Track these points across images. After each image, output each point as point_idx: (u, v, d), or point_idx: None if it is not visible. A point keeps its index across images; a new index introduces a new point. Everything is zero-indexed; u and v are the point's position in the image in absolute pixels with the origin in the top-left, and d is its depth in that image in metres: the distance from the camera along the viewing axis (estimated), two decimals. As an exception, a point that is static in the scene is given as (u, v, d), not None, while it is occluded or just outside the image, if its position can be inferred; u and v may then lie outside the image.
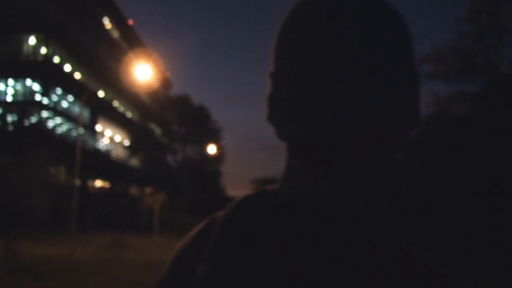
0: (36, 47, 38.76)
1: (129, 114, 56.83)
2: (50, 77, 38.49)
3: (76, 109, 41.45)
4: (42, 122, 38.45)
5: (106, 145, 51.75)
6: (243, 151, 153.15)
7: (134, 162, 57.17)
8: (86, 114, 42.55)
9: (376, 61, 0.72)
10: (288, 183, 0.79)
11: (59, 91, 40.46)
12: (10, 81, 38.82)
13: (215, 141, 65.81)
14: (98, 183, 50.22)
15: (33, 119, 38.01)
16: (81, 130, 32.60)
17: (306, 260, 0.67)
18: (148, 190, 51.77)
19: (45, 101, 38.38)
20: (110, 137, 52.08)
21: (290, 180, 0.79)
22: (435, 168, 20.25)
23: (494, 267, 15.09)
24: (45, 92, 38.33)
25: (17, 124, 37.34)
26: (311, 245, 0.68)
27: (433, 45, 22.31)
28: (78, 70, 43.15)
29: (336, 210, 0.72)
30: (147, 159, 57.52)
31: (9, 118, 37.77)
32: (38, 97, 38.18)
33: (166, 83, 64.58)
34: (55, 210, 26.59)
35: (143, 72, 26.58)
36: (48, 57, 38.65)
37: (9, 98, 38.67)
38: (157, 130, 63.69)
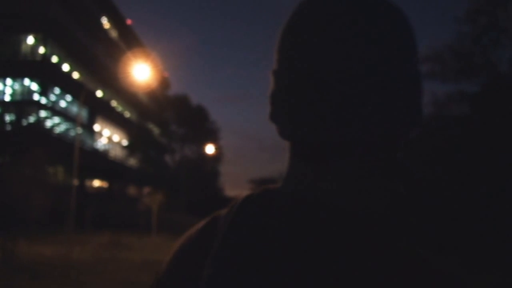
0: (34, 47, 38.72)
1: (127, 114, 56.80)
2: (48, 76, 38.46)
3: (74, 109, 41.43)
4: (40, 121, 38.42)
5: (104, 145, 51.72)
6: (241, 151, 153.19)
7: (132, 162, 57.14)
8: (84, 113, 42.52)
9: (379, 61, 0.73)
10: (291, 182, 0.79)
11: (57, 90, 40.43)
12: (8, 81, 38.78)
13: (213, 141, 65.86)
14: (96, 183, 50.19)
15: (31, 119, 38.01)
16: (79, 130, 32.59)
17: (312, 259, 0.68)
18: (146, 190, 51.85)
19: (43, 100, 38.34)
20: (108, 137, 52.05)
21: (293, 179, 0.79)
22: (433, 168, 20.25)
23: (493, 267, 15.10)
24: (43, 92, 38.30)
25: (15, 123, 37.37)
26: (315, 245, 0.69)
27: (431, 45, 22.30)
28: (76, 70, 43.12)
29: (338, 210, 0.72)
30: (145, 159, 57.50)
31: (7, 118, 37.80)
32: (36, 97, 38.14)
33: (164, 83, 64.54)
34: (53, 209, 26.62)
35: (141, 71, 26.57)
36: (46, 57, 38.62)
37: (7, 98, 38.63)
38: (155, 130, 63.67)
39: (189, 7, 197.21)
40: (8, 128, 37.44)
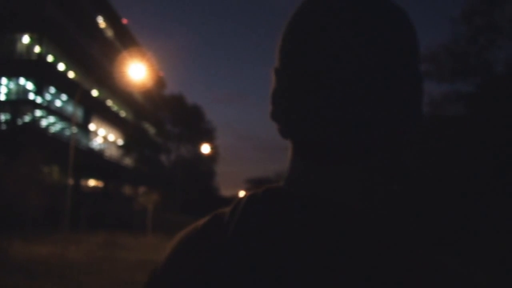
0: (30, 46, 38.65)
1: (122, 114, 56.73)
2: (43, 76, 38.39)
3: (70, 108, 41.35)
4: (35, 121, 38.36)
5: (100, 144, 51.65)
6: (237, 151, 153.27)
7: (128, 161, 57.07)
8: (79, 113, 42.48)
9: (381, 61, 0.73)
10: (293, 181, 0.79)
11: (52, 90, 40.36)
12: (4, 80, 38.69)
13: (209, 140, 65.84)
14: (92, 182, 50.12)
15: (27, 118, 37.93)
16: (75, 129, 32.50)
17: (320, 257, 0.68)
18: (141, 189, 51.75)
19: (39, 100, 38.27)
20: (103, 136, 51.98)
21: (295, 178, 0.79)
22: (429, 168, 20.29)
23: (488, 267, 15.13)
24: (38, 91, 38.23)
25: (11, 123, 37.27)
26: (323, 243, 0.69)
27: (427, 45, 22.31)
28: (71, 69, 43.06)
29: (343, 208, 0.72)
30: (141, 159, 57.44)
31: (2, 117, 37.72)
32: (31, 96, 38.08)
33: (160, 83, 64.47)
34: (48, 209, 26.57)
35: (137, 71, 26.50)
36: (41, 56, 38.55)
37: (2, 97, 38.55)
38: (151, 130, 63.63)
39: (185, 7, 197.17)
40: (3, 127, 37.35)
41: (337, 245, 0.69)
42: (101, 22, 50.69)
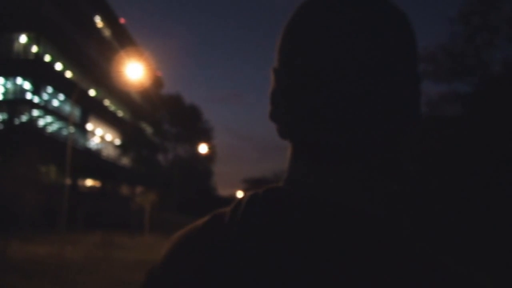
0: (27, 45, 38.60)
1: (120, 113, 56.69)
2: (41, 75, 38.35)
3: (67, 108, 41.29)
4: (32, 120, 38.32)
5: (97, 144, 51.60)
6: (234, 151, 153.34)
7: (125, 161, 57.01)
8: (77, 113, 42.41)
9: (381, 62, 0.73)
10: (293, 182, 0.79)
11: (50, 89, 40.31)
12: (1, 80, 38.65)
13: (206, 140, 65.81)
14: (89, 182, 50.07)
15: (24, 118, 37.89)
16: (72, 129, 32.50)
17: (323, 257, 0.68)
18: (139, 189, 51.76)
19: (36, 99, 38.23)
20: (101, 136, 51.93)
21: (295, 178, 0.79)
22: (426, 168, 20.30)
23: (487, 266, 15.15)
24: (36, 91, 38.19)
25: (8, 122, 37.23)
26: (326, 244, 0.69)
27: (424, 45, 22.33)
28: (69, 69, 43.01)
29: (344, 208, 0.73)
30: (138, 158, 57.35)
31: (0, 117, 37.66)
32: (29, 96, 38.04)
33: (157, 82, 64.45)
34: (45, 209, 26.52)
35: (134, 71, 26.52)
36: (39, 56, 38.51)
37: (-1, 97, 38.51)
38: (148, 129, 63.55)
39: (183, 7, 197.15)
40: (1, 127, 37.30)
41: (338, 245, 0.69)
42: (98, 21, 50.65)
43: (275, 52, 0.83)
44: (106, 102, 52.32)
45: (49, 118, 40.57)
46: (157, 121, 63.67)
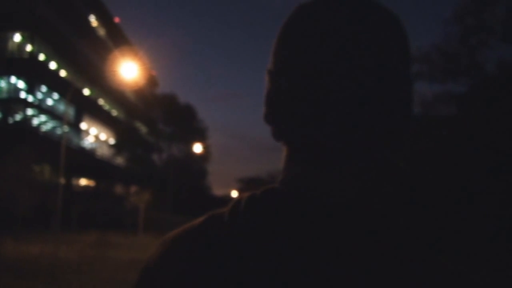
0: (22, 45, 38.51)
1: (114, 113, 56.59)
2: (35, 74, 38.27)
3: (61, 107, 41.22)
4: (26, 120, 38.21)
5: (91, 143, 51.51)
6: (229, 150, 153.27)
7: (119, 160, 56.92)
8: (71, 112, 42.33)
9: (375, 65, 0.74)
10: (289, 183, 0.79)
11: (44, 88, 40.22)
12: (-5, 78, 38.54)
13: (201, 140, 65.61)
14: (83, 181, 49.97)
15: (18, 117, 37.78)
16: (66, 128, 32.41)
17: (323, 256, 0.69)
18: (133, 189, 51.62)
19: (30, 98, 38.14)
20: (95, 135, 51.84)
21: (291, 179, 0.79)
22: (420, 168, 20.35)
23: (483, 265, 15.19)
24: (30, 90, 38.10)
25: (1, 122, 37.11)
26: (325, 243, 0.70)
27: (419, 46, 22.37)
28: (63, 68, 42.92)
29: (339, 209, 0.73)
30: (133, 158, 57.24)
31: (-6, 116, 37.55)
32: (23, 95, 37.95)
33: (152, 82, 64.30)
34: (39, 208, 26.46)
35: (129, 70, 26.43)
36: (33, 55, 38.42)
37: (-7, 96, 38.40)
38: (143, 129, 63.42)
39: (177, 6, 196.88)
40: (-6, 126, 37.20)
41: (337, 245, 0.70)
42: (93, 20, 50.55)
43: (270, 54, 0.84)
44: (101, 101, 52.22)
45: (43, 117, 40.48)
46: (152, 120, 63.55)
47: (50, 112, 41.15)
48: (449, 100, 23.25)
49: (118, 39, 54.34)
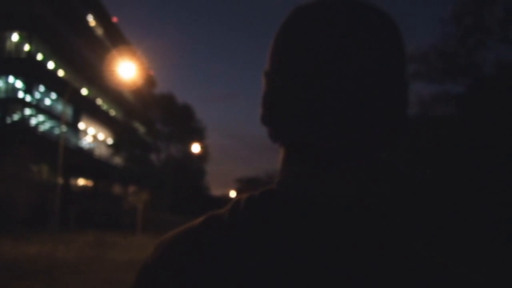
0: (19, 44, 38.45)
1: (112, 112, 56.54)
2: (33, 74, 38.22)
3: (59, 107, 41.15)
4: (24, 119, 38.17)
5: (89, 143, 51.45)
6: (227, 150, 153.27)
7: (118, 160, 56.87)
8: (69, 112, 42.28)
9: (372, 67, 0.75)
10: (287, 183, 0.79)
11: (42, 88, 40.17)
12: (-7, 78, 38.49)
13: (199, 140, 65.58)
14: (81, 181, 49.91)
15: (16, 117, 37.73)
16: (64, 128, 32.37)
17: (322, 257, 0.70)
18: (131, 189, 51.59)
19: (28, 98, 38.09)
20: (93, 135, 51.79)
21: (289, 180, 0.80)
22: (419, 168, 20.37)
23: (479, 265, 15.21)
24: (28, 90, 38.05)
25: (-1, 121, 37.05)
26: (324, 244, 0.70)
27: (416, 46, 22.38)
28: (61, 68, 42.86)
29: (337, 209, 0.74)
30: (131, 158, 57.19)
31: (-9, 116, 37.50)
32: (20, 95, 37.90)
33: (150, 81, 64.25)
34: (37, 208, 26.45)
35: (127, 70, 26.42)
36: (31, 54, 38.37)
37: (-9, 95, 38.34)
38: (141, 129, 63.36)
39: (176, 5, 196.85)
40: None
41: (337, 245, 0.70)
42: (91, 20, 50.50)
43: (267, 56, 0.84)
44: (99, 101, 52.18)
45: (41, 117, 40.43)
46: (150, 120, 63.48)
47: (48, 112, 41.10)
48: (447, 100, 23.27)
49: (116, 39, 54.28)
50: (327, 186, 0.76)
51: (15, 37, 38.45)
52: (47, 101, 41.29)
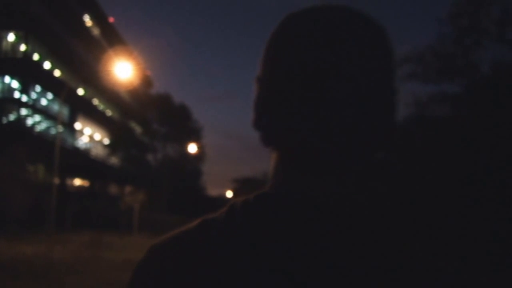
0: (15, 44, 38.37)
1: (109, 112, 56.48)
2: (29, 74, 38.14)
3: (55, 107, 41.08)
4: (20, 119, 38.09)
5: (86, 143, 51.38)
6: (223, 150, 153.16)
7: (114, 160, 56.81)
8: (65, 112, 42.20)
9: (363, 73, 0.76)
10: (280, 187, 0.81)
11: (38, 88, 40.10)
12: (-11, 78, 38.40)
13: (196, 140, 65.54)
14: (77, 181, 49.84)
15: (12, 117, 37.65)
16: (60, 128, 32.31)
17: (320, 259, 0.70)
18: (128, 189, 51.57)
19: (24, 98, 38.01)
20: (89, 135, 51.73)
21: (281, 183, 0.81)
22: (415, 169, 20.38)
23: (475, 266, 15.23)
24: (24, 90, 37.97)
25: (-5, 121, 36.96)
26: (321, 246, 0.71)
27: (412, 46, 22.47)
28: (57, 68, 42.79)
29: (336, 211, 0.75)
30: (127, 158, 57.14)
31: (-13, 116, 37.41)
32: (17, 95, 37.81)
33: (146, 82, 64.23)
34: (33, 208, 26.39)
35: (123, 70, 26.37)
36: (27, 54, 38.29)
37: (-13, 95, 38.25)
38: (137, 129, 63.30)
39: (173, 5, 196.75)
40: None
41: (336, 246, 0.71)
42: (87, 20, 50.42)
43: (259, 62, 0.85)
44: (95, 101, 52.12)
45: (37, 117, 40.35)
46: (146, 120, 63.41)
47: (44, 112, 41.03)
48: (443, 100, 23.28)
49: (112, 39, 54.23)
50: (322, 188, 0.77)
51: (11, 37, 38.37)
52: (44, 101, 41.22)
